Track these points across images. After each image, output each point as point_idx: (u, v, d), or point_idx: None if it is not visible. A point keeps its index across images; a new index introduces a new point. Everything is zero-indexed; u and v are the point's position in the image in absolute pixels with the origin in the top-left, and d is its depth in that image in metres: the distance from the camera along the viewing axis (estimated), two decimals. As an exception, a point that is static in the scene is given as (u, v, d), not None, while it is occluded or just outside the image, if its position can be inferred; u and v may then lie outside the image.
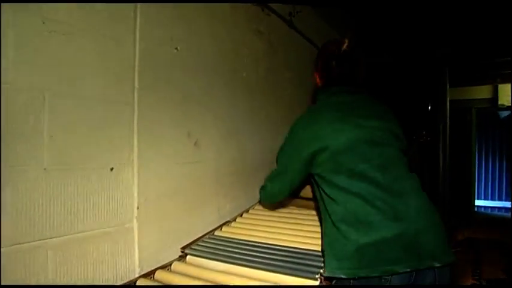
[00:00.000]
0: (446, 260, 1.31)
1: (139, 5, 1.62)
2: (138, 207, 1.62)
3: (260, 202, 2.41)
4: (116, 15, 1.53)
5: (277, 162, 1.73)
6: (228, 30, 2.24)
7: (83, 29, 1.41)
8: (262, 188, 1.88)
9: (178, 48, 1.83)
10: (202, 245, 1.80)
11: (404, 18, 4.29)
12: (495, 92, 7.33)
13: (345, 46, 1.60)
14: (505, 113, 8.10)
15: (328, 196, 1.44)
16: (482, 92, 7.39)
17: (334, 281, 1.36)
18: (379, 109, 1.59)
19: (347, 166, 1.41)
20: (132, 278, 1.56)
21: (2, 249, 1.16)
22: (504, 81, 7.12)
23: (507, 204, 9.14)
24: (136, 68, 1.62)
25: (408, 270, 1.27)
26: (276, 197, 1.84)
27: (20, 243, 1.21)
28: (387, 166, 1.42)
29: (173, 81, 1.82)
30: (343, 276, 1.30)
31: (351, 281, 1.31)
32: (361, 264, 1.29)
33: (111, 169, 1.52)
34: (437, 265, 1.29)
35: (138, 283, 1.50)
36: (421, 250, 1.29)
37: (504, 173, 9.58)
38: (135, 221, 1.62)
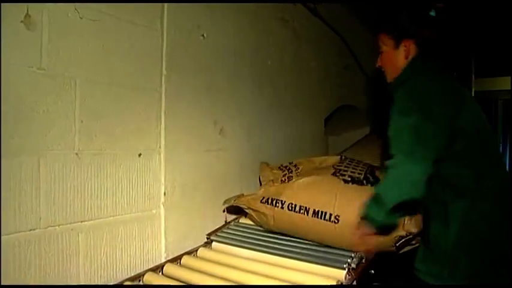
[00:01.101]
0: None
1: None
2: (165, 194, 1.64)
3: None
4: (144, 3, 1.54)
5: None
6: (253, 18, 2.22)
7: (113, 15, 1.41)
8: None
9: (205, 35, 1.83)
10: (227, 232, 1.82)
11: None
12: (520, 83, 7.12)
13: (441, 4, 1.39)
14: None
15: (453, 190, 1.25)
16: (508, 83, 7.16)
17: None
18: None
19: (481, 158, 1.24)
20: (158, 262, 1.59)
21: (37, 230, 1.19)
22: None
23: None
24: (164, 55, 1.63)
25: None
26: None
27: (53, 226, 1.24)
28: (503, 165, 1.30)
29: (200, 68, 1.82)
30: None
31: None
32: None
33: (139, 155, 1.54)
34: None
35: (166, 268, 1.52)
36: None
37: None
38: (162, 207, 1.64)
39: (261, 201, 1.77)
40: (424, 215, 1.38)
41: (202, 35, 1.82)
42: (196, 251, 1.68)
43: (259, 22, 2.27)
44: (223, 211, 1.93)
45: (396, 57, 1.38)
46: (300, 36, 2.70)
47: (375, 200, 1.23)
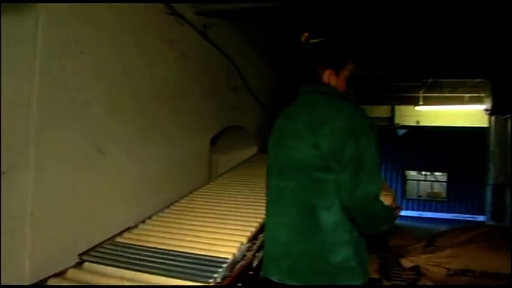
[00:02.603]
0: None
1: (41, 4, 1.57)
2: (32, 214, 1.56)
3: None
4: (16, 15, 1.48)
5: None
6: (138, 38, 2.24)
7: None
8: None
9: (84, 51, 1.81)
10: (101, 252, 1.78)
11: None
12: (392, 112, 8.45)
13: (303, 38, 1.41)
14: (402, 131, 9.21)
15: None
16: (382, 111, 8.38)
17: None
18: (323, 115, 1.26)
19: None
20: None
21: None
22: (399, 103, 8.25)
23: (407, 213, 10.50)
24: (38, 69, 1.57)
25: None
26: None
27: None
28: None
29: (78, 85, 1.78)
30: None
31: None
32: None
33: (3, 173, 1.45)
34: None
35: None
36: None
37: (400, 184, 11.11)
38: (27, 228, 1.55)
39: None
40: None
41: (82, 51, 1.79)
42: (66, 272, 1.62)
43: (144, 43, 2.31)
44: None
45: None
46: (188, 58, 2.79)
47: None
